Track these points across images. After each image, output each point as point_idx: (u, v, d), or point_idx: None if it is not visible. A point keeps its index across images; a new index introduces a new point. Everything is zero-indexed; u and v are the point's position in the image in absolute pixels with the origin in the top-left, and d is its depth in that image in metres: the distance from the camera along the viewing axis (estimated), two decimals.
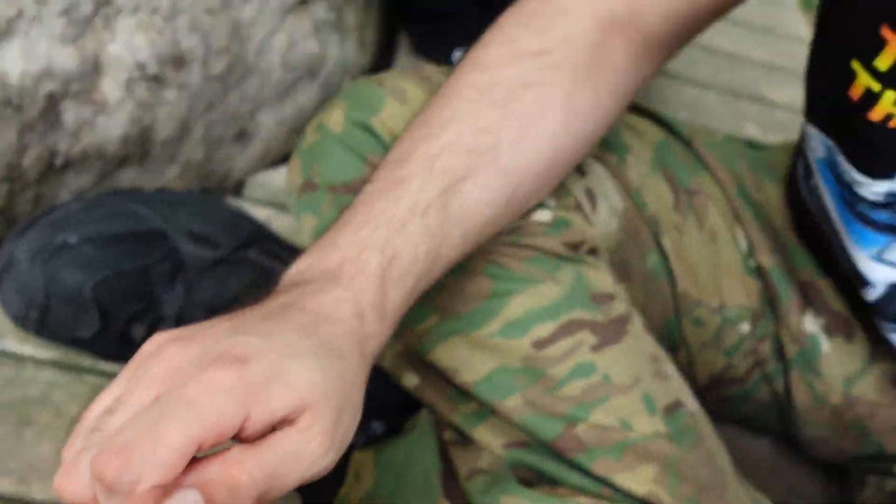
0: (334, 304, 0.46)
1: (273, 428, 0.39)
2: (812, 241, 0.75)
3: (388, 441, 0.71)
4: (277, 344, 0.40)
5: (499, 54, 0.58)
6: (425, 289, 0.55)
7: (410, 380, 0.71)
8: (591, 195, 0.70)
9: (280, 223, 1.03)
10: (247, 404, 0.37)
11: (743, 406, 0.81)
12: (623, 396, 0.65)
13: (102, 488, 0.35)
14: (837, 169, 0.65)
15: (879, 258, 0.64)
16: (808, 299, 0.75)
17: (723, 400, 0.80)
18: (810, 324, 0.75)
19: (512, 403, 0.65)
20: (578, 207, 0.68)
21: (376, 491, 0.68)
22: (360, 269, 0.48)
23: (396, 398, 0.74)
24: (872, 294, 0.66)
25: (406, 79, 0.66)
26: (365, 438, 0.72)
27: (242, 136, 1.07)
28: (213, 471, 0.36)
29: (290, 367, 0.40)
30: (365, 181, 0.60)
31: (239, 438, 0.39)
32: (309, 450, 0.39)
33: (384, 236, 0.51)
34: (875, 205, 0.62)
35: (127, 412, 0.38)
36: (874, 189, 0.61)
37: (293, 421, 0.40)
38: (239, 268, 0.82)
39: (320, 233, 0.65)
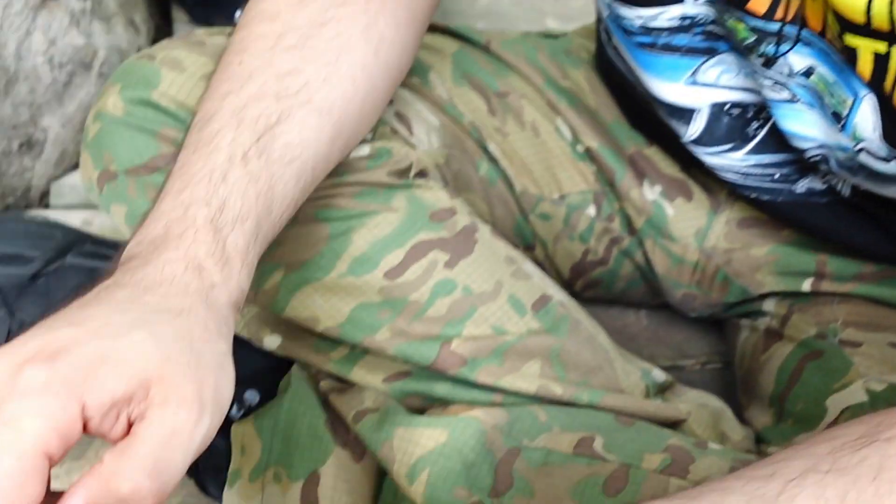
0: (159, 268, 0.44)
1: (130, 426, 0.37)
2: (631, 107, 0.76)
3: (266, 407, 0.67)
4: (93, 327, 0.38)
5: (284, 1, 0.57)
6: (271, 232, 0.52)
7: (272, 341, 0.69)
8: (402, 118, 0.70)
9: (100, 222, 0.99)
10: (73, 396, 0.35)
11: (612, 285, 0.82)
12: (490, 304, 0.65)
13: None
14: (620, 20, 0.66)
15: (694, 82, 0.65)
16: (641, 170, 0.76)
17: (591, 284, 0.81)
18: (649, 192, 0.76)
19: (381, 337, 0.64)
20: (395, 133, 0.69)
21: (267, 459, 0.65)
22: (187, 225, 0.47)
23: (264, 364, 0.71)
24: (695, 128, 0.67)
25: (178, 47, 0.65)
26: (243, 410, 0.69)
27: (31, 145, 1.02)
28: (92, 490, 0.34)
29: (114, 345, 0.37)
30: (164, 157, 0.59)
31: (106, 438, 0.37)
32: (179, 422, 0.37)
33: (206, 190, 0.49)
34: (673, 30, 0.63)
35: None
36: (661, 18, 0.63)
37: (146, 398, 0.37)
38: (60, 276, 0.78)
39: (134, 218, 0.62)
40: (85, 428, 0.36)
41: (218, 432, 0.68)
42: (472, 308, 0.65)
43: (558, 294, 0.70)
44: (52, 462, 0.34)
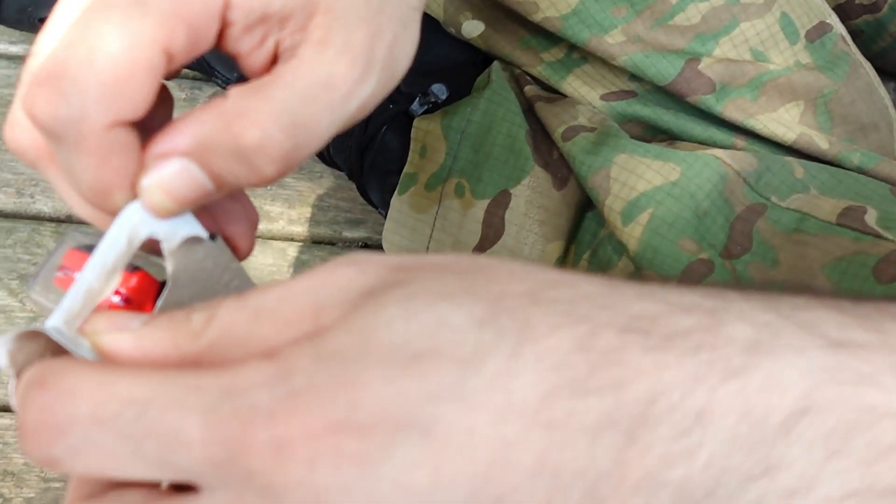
0: None
1: (275, 61, 0.29)
2: None
3: (457, 105, 0.56)
4: None
5: None
6: None
7: (472, 28, 0.58)
8: None
9: None
10: None
11: (872, 43, 0.66)
12: (756, 20, 0.53)
13: (44, 134, 0.26)
14: None
15: None
16: None
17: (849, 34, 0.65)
18: None
19: (612, 40, 0.52)
20: None
21: (451, 166, 0.55)
22: None
23: (459, 56, 0.60)
24: None
25: None
26: (428, 105, 0.59)
27: None
28: (207, 129, 0.26)
29: None
30: None
31: (240, 64, 0.29)
32: (337, 73, 0.28)
33: None
34: None
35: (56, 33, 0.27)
36: None
37: (304, 29, 0.28)
38: None
39: None
40: (220, 41, 0.28)
41: (392, 127, 0.61)
42: (733, 20, 0.52)
43: (840, 26, 0.55)
44: (171, 65, 0.26)
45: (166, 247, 0.26)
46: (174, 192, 0.26)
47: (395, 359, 0.21)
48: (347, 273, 0.23)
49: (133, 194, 0.26)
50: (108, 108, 0.25)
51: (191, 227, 0.27)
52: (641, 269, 0.48)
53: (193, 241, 0.27)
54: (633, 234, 0.48)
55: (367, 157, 0.62)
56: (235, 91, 0.27)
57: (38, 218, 0.68)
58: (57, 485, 0.60)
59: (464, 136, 0.57)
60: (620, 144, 0.51)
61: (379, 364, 0.21)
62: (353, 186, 0.69)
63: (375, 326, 0.22)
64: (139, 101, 0.25)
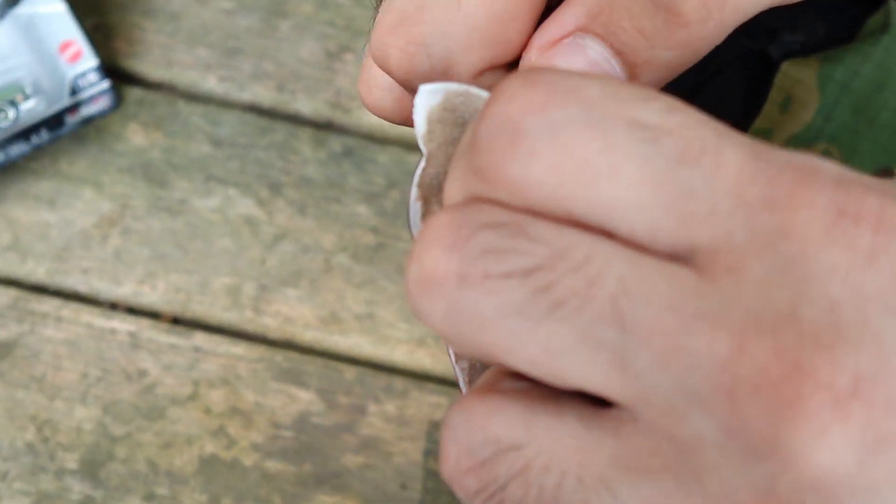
0: None
1: None
2: None
3: (842, 51, 0.47)
4: None
5: None
6: None
7: None
8: None
9: None
10: None
11: None
12: None
13: (401, 84, 0.24)
14: None
15: None
16: None
17: None
18: None
19: None
20: None
21: (821, 127, 0.47)
22: None
23: None
24: None
25: None
26: (794, 46, 0.48)
27: None
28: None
29: None
30: None
31: None
32: None
33: None
34: None
35: None
36: None
37: None
38: None
39: None
40: None
41: (740, 67, 0.51)
42: None
43: None
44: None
45: None
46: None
47: None
48: None
49: None
50: (480, 56, 0.22)
51: None
52: None
53: None
54: None
55: (696, 101, 0.52)
56: None
57: (296, 119, 0.62)
58: (288, 433, 0.55)
59: (845, 92, 0.48)
60: None
61: None
62: None
63: None
64: (518, 43, 0.22)
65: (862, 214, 0.16)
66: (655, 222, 0.17)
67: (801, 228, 0.16)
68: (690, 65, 0.23)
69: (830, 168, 0.17)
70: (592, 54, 0.21)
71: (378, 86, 0.25)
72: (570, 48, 0.21)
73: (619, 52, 0.21)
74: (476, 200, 0.18)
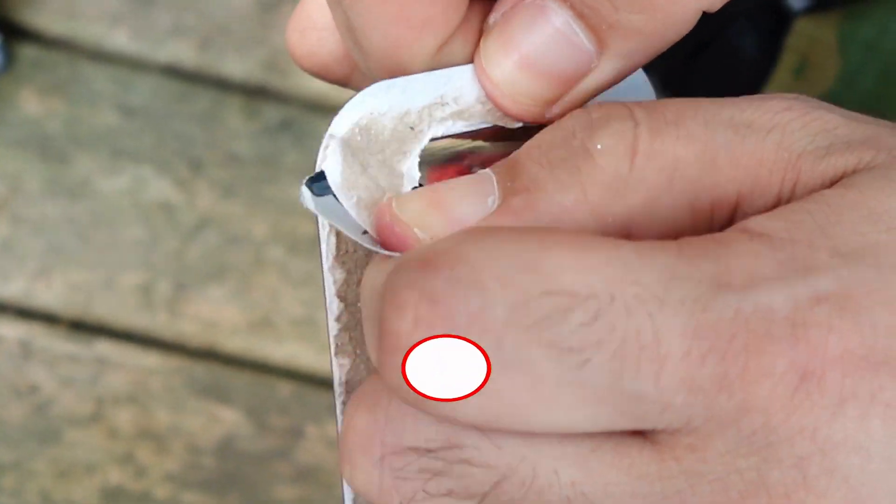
0: None
1: None
2: None
3: (866, 7, 0.46)
4: None
5: None
6: None
7: None
8: None
9: None
10: None
11: None
12: None
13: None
14: None
15: None
16: None
17: None
18: None
19: None
20: None
21: (843, 93, 0.43)
22: None
23: None
24: None
25: None
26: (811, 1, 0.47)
27: None
28: None
29: None
30: None
31: None
32: None
33: None
34: None
35: None
36: None
37: None
38: None
39: None
40: None
41: (750, 24, 0.51)
42: None
43: None
44: None
45: None
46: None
47: None
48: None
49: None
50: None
51: None
52: None
53: None
54: None
55: (700, 63, 0.50)
56: None
57: (223, 84, 0.60)
58: (209, 461, 0.52)
59: (872, 54, 0.46)
60: None
61: None
62: None
63: None
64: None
65: (826, 368, 0.17)
66: (606, 426, 0.18)
67: (763, 403, 0.17)
68: (672, 34, 0.21)
69: (783, 303, 0.17)
70: (555, 19, 0.21)
71: (314, 25, 0.24)
72: (530, 10, 0.22)
73: (580, 15, 0.22)
74: (401, 412, 0.18)
